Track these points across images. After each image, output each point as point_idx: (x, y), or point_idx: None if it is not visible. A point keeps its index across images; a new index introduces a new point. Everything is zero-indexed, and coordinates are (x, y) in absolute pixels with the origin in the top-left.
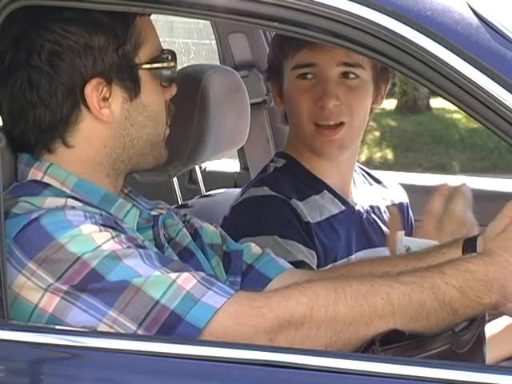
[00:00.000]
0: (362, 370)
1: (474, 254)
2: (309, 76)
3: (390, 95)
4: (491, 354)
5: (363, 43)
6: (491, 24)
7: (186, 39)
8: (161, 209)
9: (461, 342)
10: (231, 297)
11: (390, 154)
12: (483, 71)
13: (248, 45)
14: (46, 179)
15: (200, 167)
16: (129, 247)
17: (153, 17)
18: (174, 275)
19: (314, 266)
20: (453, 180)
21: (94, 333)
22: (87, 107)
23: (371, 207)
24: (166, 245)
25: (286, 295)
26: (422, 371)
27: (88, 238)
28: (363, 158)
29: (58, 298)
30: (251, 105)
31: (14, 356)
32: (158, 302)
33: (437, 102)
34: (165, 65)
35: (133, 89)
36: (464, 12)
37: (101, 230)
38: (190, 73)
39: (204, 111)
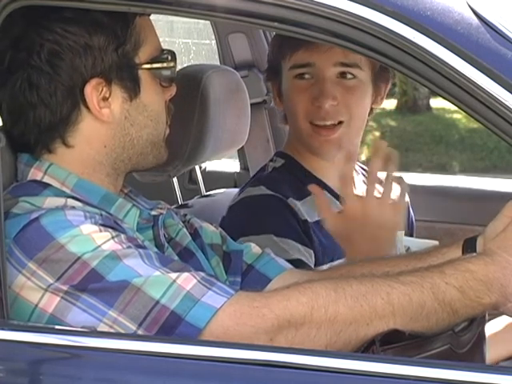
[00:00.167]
0: (362, 369)
1: (474, 254)
2: (306, 76)
3: (390, 95)
4: (491, 354)
5: (363, 43)
6: (491, 24)
7: (186, 39)
8: (161, 209)
9: (461, 342)
10: (231, 297)
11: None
12: (483, 71)
13: (248, 45)
14: (46, 179)
15: (200, 167)
16: (129, 247)
17: (153, 17)
18: (174, 275)
19: (312, 265)
20: (453, 180)
21: (93, 333)
22: (87, 107)
23: None
24: (166, 245)
25: (286, 295)
26: (422, 371)
27: (88, 238)
28: (363, 157)
29: (58, 298)
30: (251, 105)
31: (13, 356)
32: (158, 302)
33: (437, 102)
34: (165, 65)
35: (133, 89)
36: (464, 12)
37: (101, 230)
38: (190, 73)
39: (204, 111)
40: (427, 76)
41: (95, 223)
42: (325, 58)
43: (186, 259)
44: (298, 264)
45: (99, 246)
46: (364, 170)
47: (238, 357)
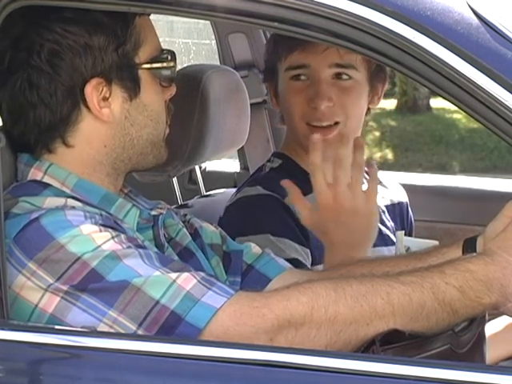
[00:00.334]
0: (362, 369)
1: (474, 254)
2: (302, 77)
3: (390, 95)
4: (491, 354)
5: (363, 43)
6: (491, 24)
7: (186, 39)
8: (161, 209)
9: (461, 342)
10: (231, 297)
11: (389, 154)
12: (483, 71)
13: (248, 45)
14: (46, 179)
15: (200, 167)
16: (129, 247)
17: (153, 17)
18: (174, 275)
19: (308, 264)
20: (453, 180)
21: (94, 333)
22: (87, 107)
23: None
24: (166, 245)
25: (286, 295)
26: (422, 371)
27: (88, 238)
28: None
29: (58, 298)
30: (251, 105)
31: (13, 356)
32: (158, 302)
33: (437, 102)
34: (164, 65)
35: (133, 88)
36: (464, 12)
37: (101, 230)
38: (190, 73)
39: (204, 111)
40: (427, 76)
41: (95, 223)
42: (320, 60)
43: (186, 259)
44: (295, 263)
45: (99, 246)
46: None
47: (237, 357)
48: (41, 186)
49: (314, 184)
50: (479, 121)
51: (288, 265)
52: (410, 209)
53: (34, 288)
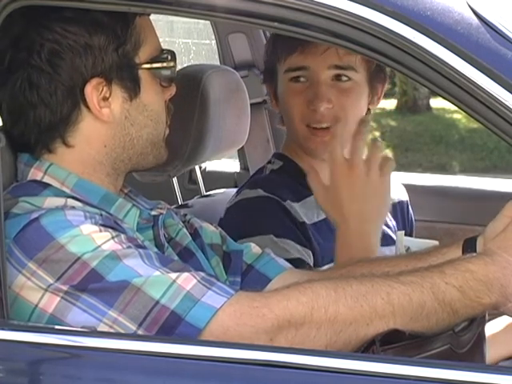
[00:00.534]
0: (362, 369)
1: (474, 254)
2: (301, 79)
3: (390, 95)
4: (491, 354)
5: (363, 43)
6: (491, 24)
7: (186, 39)
8: (161, 209)
9: (461, 342)
10: (231, 297)
11: (389, 154)
12: (483, 71)
13: (248, 45)
14: (46, 179)
15: (200, 167)
16: (129, 247)
17: (153, 17)
18: (174, 275)
19: (311, 264)
20: (453, 180)
21: (94, 333)
22: (87, 107)
23: None
24: (166, 245)
25: (286, 295)
26: (422, 371)
27: (88, 238)
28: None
29: (58, 298)
30: (251, 105)
31: (13, 356)
32: (158, 302)
33: (437, 102)
34: (164, 65)
35: (133, 88)
36: (464, 12)
37: (101, 230)
38: (190, 73)
39: (204, 111)
40: (427, 76)
41: (95, 223)
42: (319, 62)
43: (186, 259)
44: (298, 263)
45: (99, 246)
46: None
47: (238, 357)
48: (41, 186)
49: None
50: (479, 121)
51: (288, 265)
52: (410, 208)
53: (33, 288)
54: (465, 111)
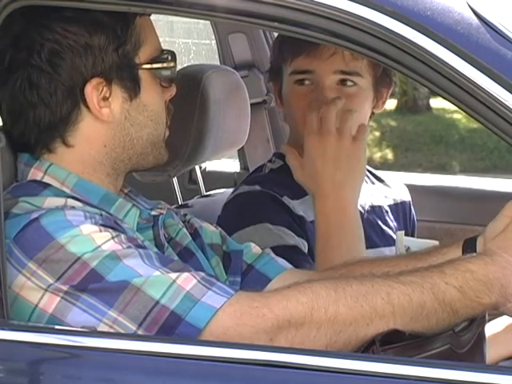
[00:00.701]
0: (362, 369)
1: (474, 254)
2: (306, 82)
3: (390, 95)
4: (491, 354)
5: (363, 43)
6: (491, 24)
7: (186, 39)
8: (161, 209)
9: (461, 342)
10: (231, 297)
11: (390, 154)
12: (483, 71)
13: (248, 45)
14: (46, 179)
15: (200, 167)
16: (129, 247)
17: (153, 17)
18: (174, 275)
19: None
20: (453, 180)
21: (94, 333)
22: (87, 107)
23: (372, 207)
24: (166, 245)
25: (286, 295)
26: (422, 371)
27: (88, 238)
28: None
29: (58, 298)
30: (251, 105)
31: (13, 356)
32: (158, 302)
33: (437, 102)
34: (165, 65)
35: (133, 89)
36: (464, 12)
37: (101, 230)
38: (190, 73)
39: (204, 111)
40: (427, 76)
41: (95, 223)
42: (325, 66)
43: (186, 259)
44: (293, 250)
45: (99, 246)
46: (366, 169)
47: (238, 357)
48: (41, 186)
49: (307, 127)
50: (479, 121)
51: (288, 265)
52: (412, 208)
53: (33, 288)
54: (465, 111)
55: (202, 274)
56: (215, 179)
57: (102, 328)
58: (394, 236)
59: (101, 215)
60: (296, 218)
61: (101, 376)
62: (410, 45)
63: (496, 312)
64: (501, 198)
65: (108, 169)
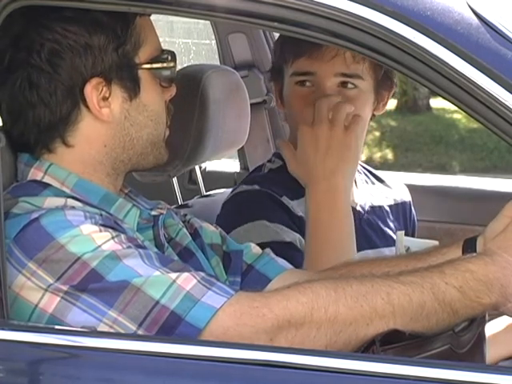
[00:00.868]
0: (362, 369)
1: (474, 254)
2: (307, 84)
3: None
4: (491, 354)
5: (363, 43)
6: (491, 24)
7: (186, 39)
8: (161, 209)
9: (461, 342)
10: (231, 297)
11: (390, 154)
12: (483, 71)
13: (248, 45)
14: (46, 179)
15: (200, 167)
16: (129, 247)
17: (153, 17)
18: (174, 275)
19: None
20: (453, 180)
21: (93, 333)
22: (87, 107)
23: (372, 207)
24: (166, 245)
25: (286, 295)
26: (422, 371)
27: (88, 238)
28: (363, 157)
29: (58, 298)
30: (251, 105)
31: (13, 356)
32: (158, 302)
33: (437, 102)
34: (164, 65)
35: (132, 89)
36: (464, 12)
37: (101, 230)
38: (189, 73)
39: (204, 111)
40: (427, 76)
41: (95, 223)
42: (326, 68)
43: (186, 259)
44: (290, 247)
45: (99, 246)
46: (366, 169)
47: (238, 357)
48: (41, 186)
49: (301, 120)
50: (479, 121)
51: (288, 265)
52: (413, 208)
53: (33, 288)
54: (465, 111)
55: (202, 274)
56: (215, 179)
57: (102, 328)
58: (394, 236)
59: (101, 215)
60: (295, 217)
61: (101, 376)
62: (410, 45)
63: (496, 312)
64: (501, 198)
65: (108, 169)
